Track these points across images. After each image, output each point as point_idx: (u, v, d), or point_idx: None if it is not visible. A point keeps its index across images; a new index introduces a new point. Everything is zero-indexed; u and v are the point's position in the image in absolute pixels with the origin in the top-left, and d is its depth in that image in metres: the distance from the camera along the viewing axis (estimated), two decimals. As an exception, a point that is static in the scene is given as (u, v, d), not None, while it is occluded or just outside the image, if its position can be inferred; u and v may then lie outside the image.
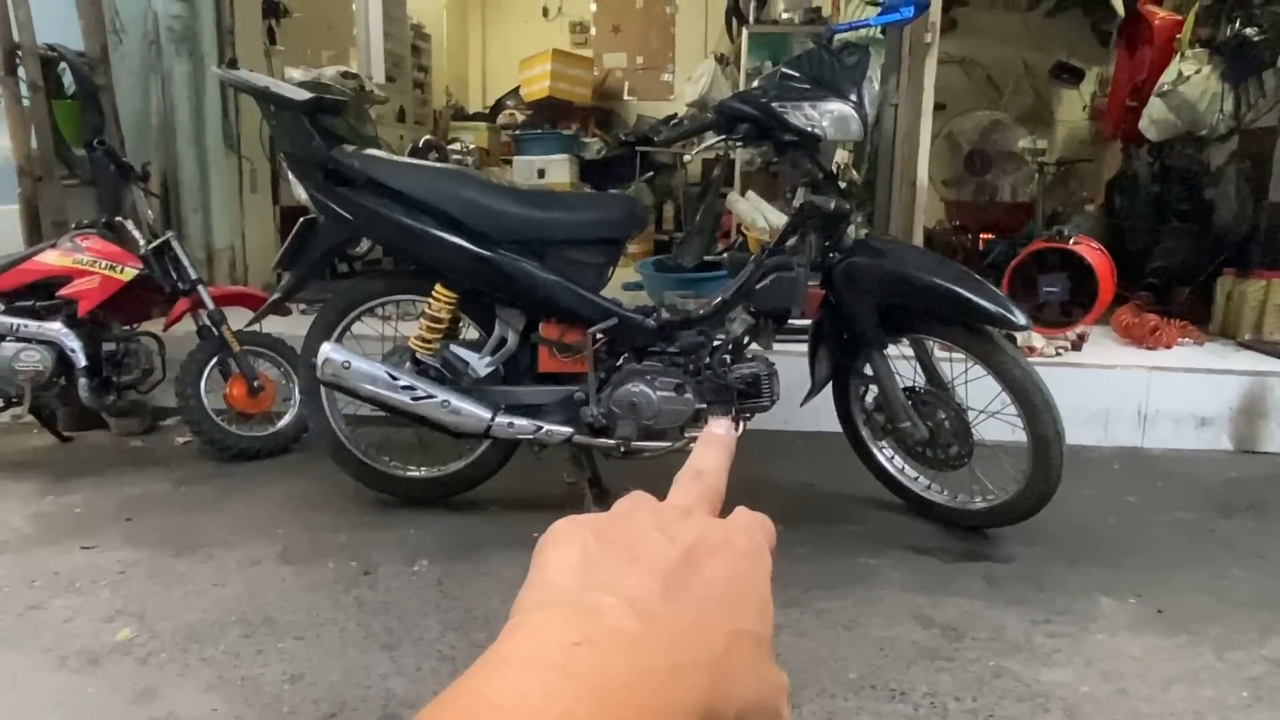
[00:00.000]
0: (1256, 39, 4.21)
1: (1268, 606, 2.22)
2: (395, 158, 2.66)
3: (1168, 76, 4.44)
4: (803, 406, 2.60)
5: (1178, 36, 4.54)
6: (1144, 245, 4.76)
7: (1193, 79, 4.34)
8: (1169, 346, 3.71)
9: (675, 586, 0.31)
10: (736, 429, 2.50)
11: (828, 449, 3.04)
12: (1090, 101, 6.11)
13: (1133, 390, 3.41)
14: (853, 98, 2.40)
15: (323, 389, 2.60)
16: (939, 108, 4.45)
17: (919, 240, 4.04)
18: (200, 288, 3.08)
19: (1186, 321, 3.89)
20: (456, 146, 6.05)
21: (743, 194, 4.63)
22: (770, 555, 0.35)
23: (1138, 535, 2.63)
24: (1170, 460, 3.30)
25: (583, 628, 0.28)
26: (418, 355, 2.53)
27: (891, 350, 2.54)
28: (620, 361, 2.50)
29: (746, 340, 2.51)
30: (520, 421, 2.46)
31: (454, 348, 2.56)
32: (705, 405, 2.48)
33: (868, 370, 2.56)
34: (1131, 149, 5.33)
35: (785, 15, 5.79)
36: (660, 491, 0.38)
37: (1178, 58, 4.46)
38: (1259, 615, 2.17)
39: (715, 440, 0.40)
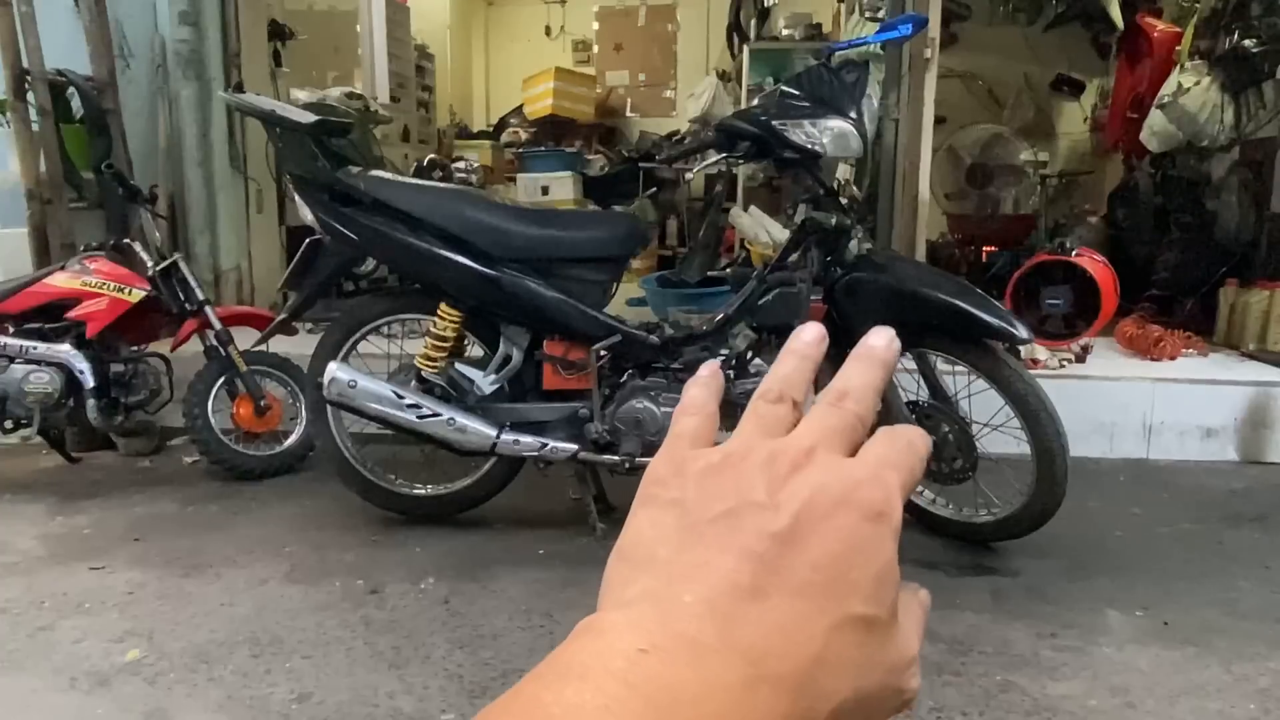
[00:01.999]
0: (1255, 50, 4.22)
1: (1276, 618, 2.21)
2: (399, 178, 2.69)
3: (1168, 88, 4.45)
4: (807, 421, 2.60)
5: (1177, 48, 4.56)
6: (1147, 256, 4.76)
7: (1193, 90, 4.36)
8: (1173, 358, 3.71)
9: (769, 576, 0.27)
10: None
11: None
12: (1091, 114, 6.13)
13: (1137, 402, 3.41)
14: (852, 115, 2.42)
15: (329, 408, 2.62)
16: (940, 122, 4.47)
17: (921, 254, 4.06)
18: (207, 308, 3.11)
19: (1190, 332, 3.89)
20: (461, 165, 6.10)
21: (745, 209, 4.65)
22: (914, 483, 0.31)
23: (1144, 547, 2.62)
24: (1176, 472, 3.30)
25: (653, 633, 0.26)
26: (423, 373, 2.54)
27: (894, 364, 2.54)
28: (624, 378, 2.51)
29: (750, 355, 2.52)
30: (525, 439, 2.47)
31: (459, 366, 2.57)
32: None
33: (871, 384, 2.57)
34: (1133, 161, 5.34)
35: (786, 32, 5.84)
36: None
37: (1177, 69, 4.48)
38: (1267, 627, 2.16)
39: (869, 355, 0.33)
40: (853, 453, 0.31)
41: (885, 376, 0.33)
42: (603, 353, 2.48)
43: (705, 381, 0.35)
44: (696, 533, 0.29)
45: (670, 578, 0.28)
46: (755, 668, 0.26)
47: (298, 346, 3.24)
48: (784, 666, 0.26)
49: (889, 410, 2.52)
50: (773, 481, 0.29)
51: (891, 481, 0.30)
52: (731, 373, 2.50)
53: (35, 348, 2.97)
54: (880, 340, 0.34)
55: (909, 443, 0.31)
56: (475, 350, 2.69)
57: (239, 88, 4.17)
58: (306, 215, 2.56)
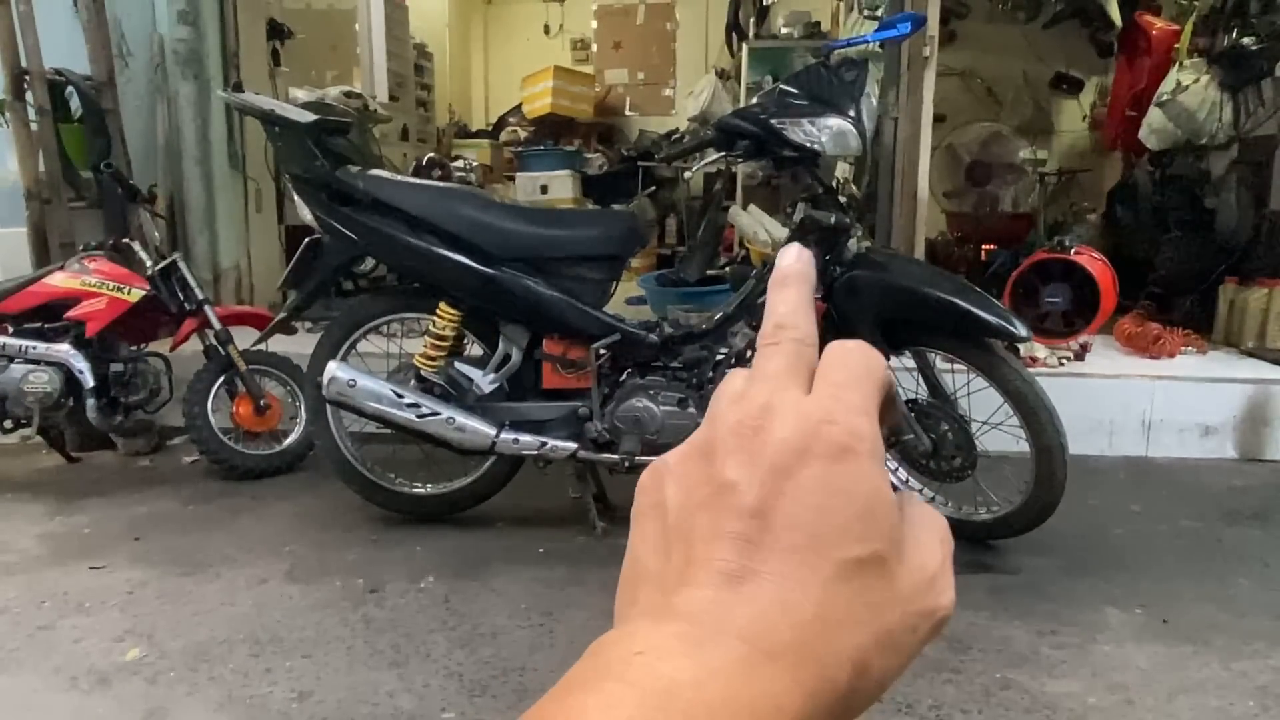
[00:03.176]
0: (1254, 48, 4.22)
1: (1274, 615, 2.21)
2: (398, 177, 2.69)
3: (1166, 86, 4.46)
4: (806, 420, 2.61)
5: (1176, 46, 4.57)
6: (1146, 254, 4.76)
7: (1191, 88, 4.36)
8: (1172, 355, 3.71)
9: (753, 554, 0.27)
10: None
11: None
12: (1090, 112, 6.13)
13: (1136, 400, 3.41)
14: (851, 113, 2.42)
15: (329, 407, 2.62)
16: (939, 120, 4.47)
17: (920, 252, 4.06)
18: (206, 308, 3.11)
19: (1189, 330, 3.89)
20: (460, 164, 6.10)
21: (744, 208, 4.65)
22: (884, 402, 0.31)
23: (1143, 545, 2.63)
24: (1175, 469, 3.30)
25: (648, 636, 0.26)
26: (422, 373, 2.54)
27: (893, 362, 2.55)
28: (624, 376, 2.51)
29: (749, 354, 2.52)
30: (525, 437, 2.47)
31: (458, 365, 2.57)
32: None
33: (870, 383, 2.57)
34: (1132, 158, 5.35)
35: (785, 30, 5.84)
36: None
37: (1176, 67, 4.48)
38: (1266, 624, 2.17)
39: (783, 277, 0.33)
40: (811, 375, 0.31)
41: (809, 289, 0.33)
42: (602, 351, 2.48)
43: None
44: (679, 532, 0.29)
45: (664, 587, 0.28)
46: (752, 645, 0.26)
47: (297, 346, 3.24)
48: (783, 638, 0.26)
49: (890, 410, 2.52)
50: (738, 455, 0.29)
51: (851, 406, 0.29)
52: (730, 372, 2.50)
53: (35, 347, 2.97)
54: (788, 257, 0.34)
55: (860, 354, 0.31)
56: (474, 349, 2.69)
57: (238, 87, 4.17)
58: (305, 214, 2.56)
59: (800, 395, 0.30)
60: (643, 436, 2.45)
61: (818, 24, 5.83)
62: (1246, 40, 4.25)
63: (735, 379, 0.32)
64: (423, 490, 2.74)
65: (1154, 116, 4.50)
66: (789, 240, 2.52)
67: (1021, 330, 2.36)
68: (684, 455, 0.31)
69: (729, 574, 0.27)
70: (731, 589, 0.27)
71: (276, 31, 4.96)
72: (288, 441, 3.21)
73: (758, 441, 0.29)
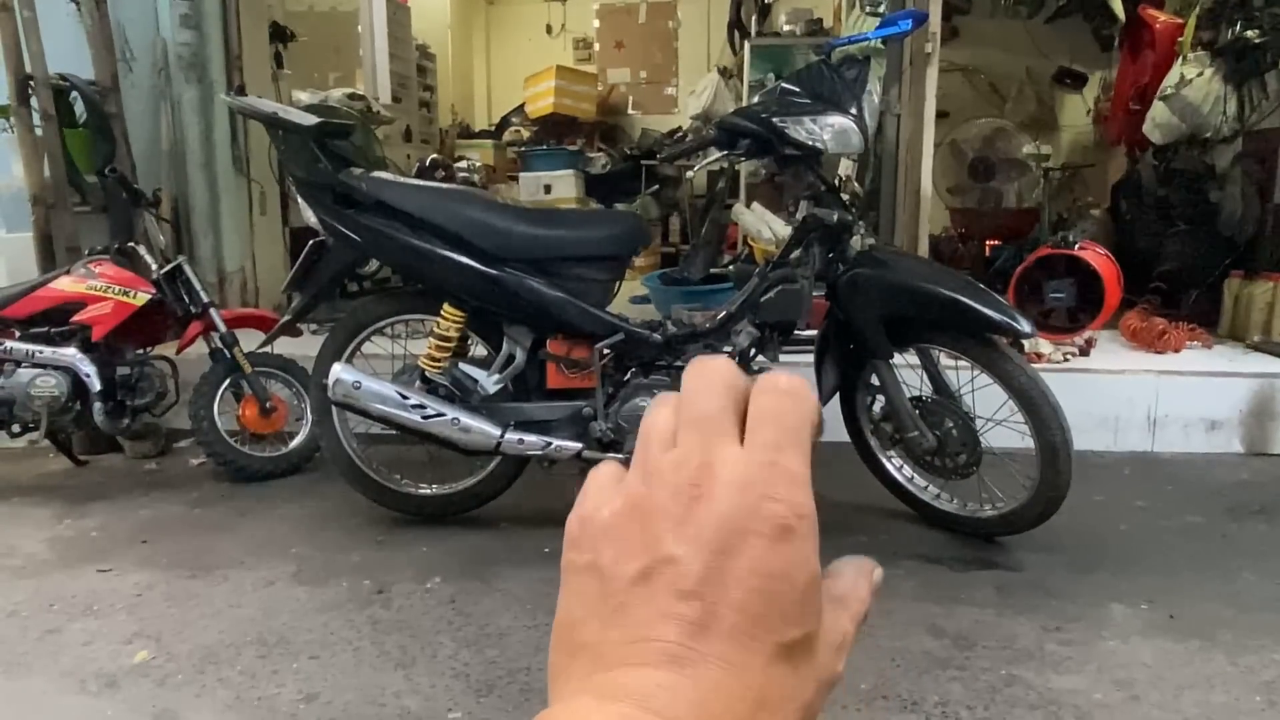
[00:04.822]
0: (1258, 41, 4.21)
1: (1281, 610, 2.21)
2: (401, 179, 2.69)
3: (1170, 80, 4.45)
4: (810, 418, 2.61)
5: (1179, 40, 4.56)
6: (1150, 249, 4.75)
7: (1195, 82, 4.35)
8: (1177, 350, 3.70)
9: (696, 637, 0.28)
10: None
11: (836, 459, 3.04)
12: (1094, 106, 6.12)
13: (1142, 395, 3.40)
14: (853, 111, 2.42)
15: (334, 409, 2.63)
16: (942, 116, 4.46)
17: (924, 249, 4.06)
18: (212, 310, 3.12)
19: (1194, 325, 3.88)
20: (463, 165, 6.11)
21: (748, 206, 4.65)
22: (813, 436, 0.30)
23: (1149, 541, 2.62)
24: (1180, 464, 3.29)
25: (591, 718, 0.27)
26: (427, 374, 2.55)
27: (898, 359, 2.55)
28: (627, 376, 2.52)
29: (753, 352, 2.53)
30: (529, 438, 2.48)
31: (463, 366, 2.58)
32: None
33: (874, 380, 2.57)
34: (1136, 153, 5.34)
35: (787, 28, 5.83)
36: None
37: (1180, 61, 4.47)
38: (1272, 619, 2.16)
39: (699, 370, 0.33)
40: (741, 415, 0.31)
41: (742, 379, 0.33)
42: (606, 351, 2.48)
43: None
44: (617, 603, 0.29)
45: (604, 660, 0.29)
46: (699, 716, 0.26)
47: (302, 348, 3.25)
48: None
49: (893, 409, 2.53)
50: (678, 527, 0.29)
51: (791, 476, 0.29)
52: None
53: (41, 352, 2.98)
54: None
55: (792, 402, 0.31)
56: (479, 350, 2.69)
57: (241, 90, 4.18)
58: (310, 217, 2.56)
59: (736, 451, 0.30)
60: (647, 436, 2.45)
61: (820, 21, 5.82)
62: (1250, 33, 4.24)
63: (663, 409, 0.32)
64: (428, 491, 2.75)
65: (1158, 110, 4.49)
66: (791, 239, 2.52)
67: (1026, 326, 2.36)
68: (618, 513, 0.30)
69: (672, 655, 0.27)
70: (676, 670, 0.27)
71: (279, 34, 4.98)
72: (293, 443, 3.22)
73: (698, 510, 0.29)
